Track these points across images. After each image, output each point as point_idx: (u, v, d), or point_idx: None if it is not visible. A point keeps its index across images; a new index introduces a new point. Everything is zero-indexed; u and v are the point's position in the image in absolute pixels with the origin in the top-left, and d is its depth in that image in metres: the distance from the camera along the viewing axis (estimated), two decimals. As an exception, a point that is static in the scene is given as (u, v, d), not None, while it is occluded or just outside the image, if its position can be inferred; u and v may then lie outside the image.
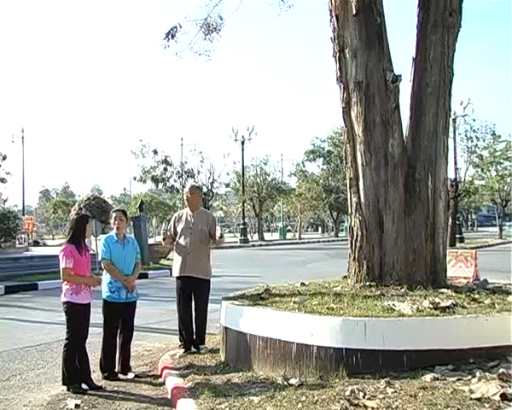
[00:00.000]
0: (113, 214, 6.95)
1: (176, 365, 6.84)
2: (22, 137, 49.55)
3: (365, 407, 4.54)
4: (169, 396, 5.86)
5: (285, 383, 5.43)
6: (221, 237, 7.72)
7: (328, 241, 49.28)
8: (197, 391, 5.49)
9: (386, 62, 7.32)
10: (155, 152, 48.76)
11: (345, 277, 7.68)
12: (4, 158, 38.84)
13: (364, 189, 7.28)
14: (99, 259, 6.79)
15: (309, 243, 46.06)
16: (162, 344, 8.35)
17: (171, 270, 8.98)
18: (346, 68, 7.41)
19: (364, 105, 7.24)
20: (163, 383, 6.36)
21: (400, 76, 7.29)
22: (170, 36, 10.54)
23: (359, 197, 7.34)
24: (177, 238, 7.71)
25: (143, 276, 18.52)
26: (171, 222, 7.93)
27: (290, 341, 5.78)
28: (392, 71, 7.33)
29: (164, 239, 8.00)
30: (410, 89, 7.54)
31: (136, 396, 5.99)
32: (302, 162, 60.44)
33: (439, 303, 5.89)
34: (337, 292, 6.82)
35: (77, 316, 6.24)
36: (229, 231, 68.45)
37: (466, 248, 19.69)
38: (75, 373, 6.19)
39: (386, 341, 5.39)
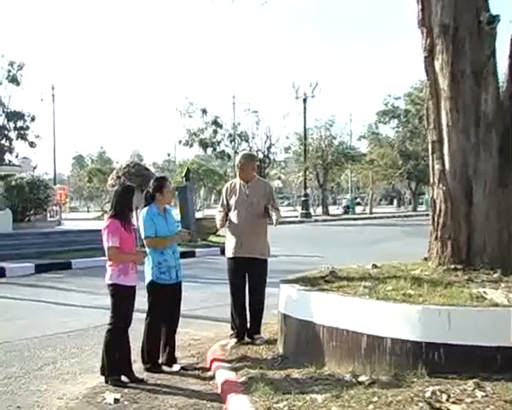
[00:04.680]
0: (167, 183, 7.00)
1: (227, 356, 6.92)
2: (52, 95, 48.86)
3: (449, 411, 4.50)
4: (219, 391, 5.94)
5: (353, 380, 5.43)
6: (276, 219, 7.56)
7: (405, 216, 48.84)
8: (251, 387, 5.55)
9: (481, 0, 7.08)
10: (204, 112, 49.16)
11: (425, 258, 7.58)
12: (33, 119, 39.72)
13: (450, 154, 7.11)
14: (142, 236, 6.82)
15: (382, 218, 45.80)
16: (211, 333, 8.48)
17: (221, 248, 9.04)
18: (431, 9, 7.20)
19: (452, 53, 7.04)
20: (212, 377, 6.45)
21: (498, 16, 7.02)
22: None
23: (443, 164, 7.18)
24: (229, 213, 7.73)
25: (190, 254, 18.78)
26: (223, 194, 7.91)
27: (360, 332, 5.76)
28: (488, 10, 7.08)
29: (220, 220, 7.85)
30: (511, 31, 7.28)
31: (182, 391, 6.11)
32: (374, 124, 59.75)
33: (540, 292, 5.74)
34: (415, 276, 6.75)
35: (124, 300, 6.37)
36: (289, 204, 68.57)
37: None
38: (115, 363, 6.35)
39: (474, 334, 5.30)
